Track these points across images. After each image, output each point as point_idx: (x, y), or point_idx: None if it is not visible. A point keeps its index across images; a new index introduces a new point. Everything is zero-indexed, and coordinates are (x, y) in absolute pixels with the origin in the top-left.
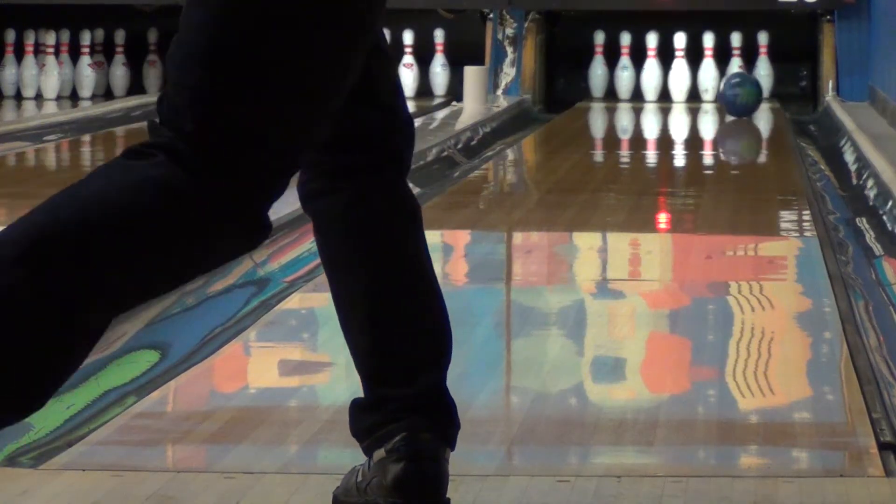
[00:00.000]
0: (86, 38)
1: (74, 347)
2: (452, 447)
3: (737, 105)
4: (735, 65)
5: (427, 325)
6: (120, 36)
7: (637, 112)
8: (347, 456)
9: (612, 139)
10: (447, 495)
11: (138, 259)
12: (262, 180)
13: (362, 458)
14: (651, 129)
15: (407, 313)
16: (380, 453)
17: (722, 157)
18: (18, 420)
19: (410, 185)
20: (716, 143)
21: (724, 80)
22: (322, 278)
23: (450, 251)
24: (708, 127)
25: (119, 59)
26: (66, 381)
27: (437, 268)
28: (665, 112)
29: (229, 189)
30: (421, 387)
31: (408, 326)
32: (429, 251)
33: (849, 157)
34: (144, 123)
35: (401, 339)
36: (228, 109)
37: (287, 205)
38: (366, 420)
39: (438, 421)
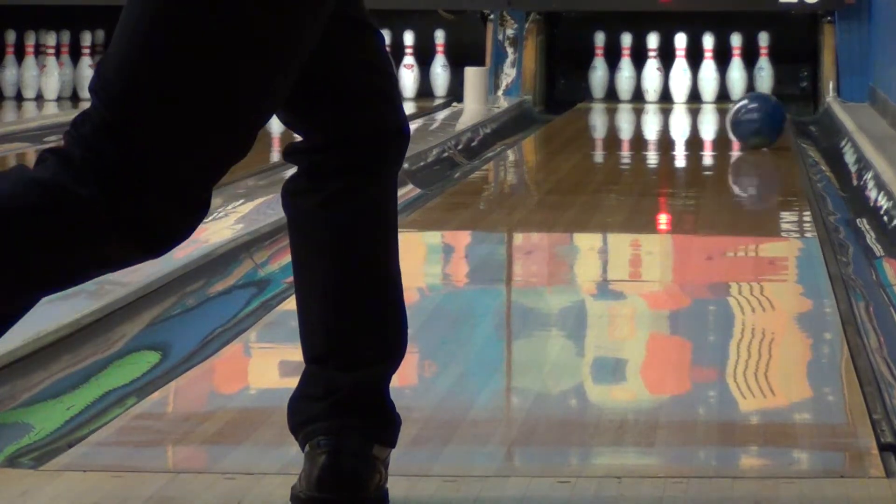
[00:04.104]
0: (86, 38)
1: None
2: (390, 444)
3: (746, 141)
4: (736, 66)
5: (380, 322)
6: None
7: (637, 113)
8: None
9: (612, 140)
10: (382, 490)
11: (15, 254)
12: (155, 193)
13: None
14: (651, 130)
15: (362, 307)
16: (310, 446)
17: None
18: None
19: (410, 185)
20: (719, 145)
21: (742, 106)
22: None
23: (450, 252)
24: (708, 128)
25: None
26: None
27: (438, 269)
28: (665, 113)
29: (113, 196)
30: (363, 377)
31: (362, 318)
32: (398, 258)
33: (849, 157)
34: None
35: (353, 327)
36: (132, 122)
37: None
38: (303, 413)
39: (370, 418)
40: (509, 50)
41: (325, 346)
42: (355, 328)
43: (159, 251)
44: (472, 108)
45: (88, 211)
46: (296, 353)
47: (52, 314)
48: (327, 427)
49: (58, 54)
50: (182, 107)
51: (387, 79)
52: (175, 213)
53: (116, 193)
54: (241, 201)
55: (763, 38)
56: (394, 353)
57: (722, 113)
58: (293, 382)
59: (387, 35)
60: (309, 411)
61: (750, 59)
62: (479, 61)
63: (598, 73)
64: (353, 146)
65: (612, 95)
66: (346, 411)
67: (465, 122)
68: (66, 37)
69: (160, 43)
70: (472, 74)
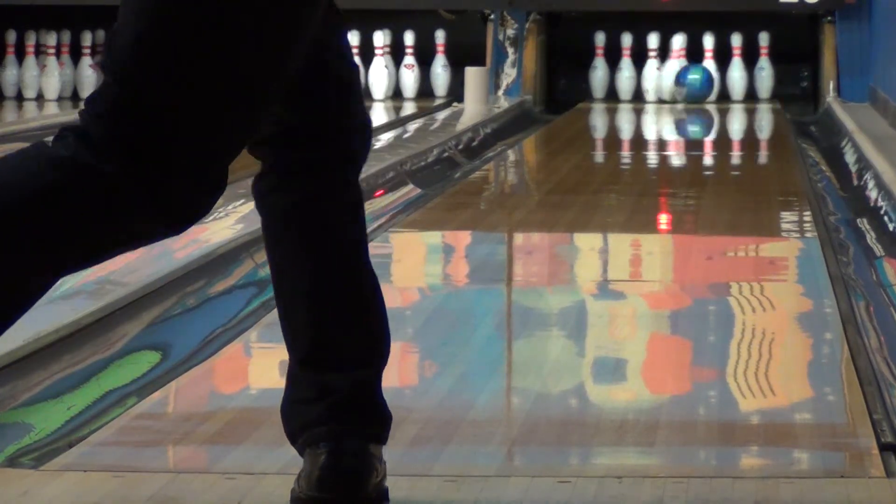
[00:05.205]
0: (87, 38)
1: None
2: (384, 441)
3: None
4: (736, 66)
5: (367, 319)
6: None
7: (638, 113)
8: None
9: (612, 140)
10: (383, 489)
11: (41, 232)
12: (174, 168)
13: None
14: (651, 130)
15: (347, 305)
16: (310, 447)
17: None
18: None
19: (410, 185)
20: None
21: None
22: None
23: (451, 252)
24: (708, 128)
25: None
26: None
27: (438, 269)
28: (665, 113)
29: (135, 172)
30: (359, 377)
31: (347, 317)
32: (368, 252)
33: (849, 157)
34: None
35: (341, 327)
36: (146, 99)
37: None
38: (300, 418)
39: (365, 417)
40: (510, 50)
41: (314, 348)
42: (343, 328)
43: (182, 226)
44: (472, 108)
45: (112, 187)
46: None
47: (52, 314)
48: (328, 431)
49: (58, 54)
50: (194, 81)
51: (352, 69)
52: (195, 187)
53: (139, 168)
54: (242, 201)
55: (763, 38)
56: (384, 350)
57: (722, 113)
58: None
59: (387, 35)
60: (307, 415)
61: (750, 59)
62: (479, 61)
63: (598, 73)
64: (322, 138)
65: (612, 95)
66: (345, 412)
67: (465, 122)
68: (66, 37)
69: (169, 18)
70: (472, 74)
